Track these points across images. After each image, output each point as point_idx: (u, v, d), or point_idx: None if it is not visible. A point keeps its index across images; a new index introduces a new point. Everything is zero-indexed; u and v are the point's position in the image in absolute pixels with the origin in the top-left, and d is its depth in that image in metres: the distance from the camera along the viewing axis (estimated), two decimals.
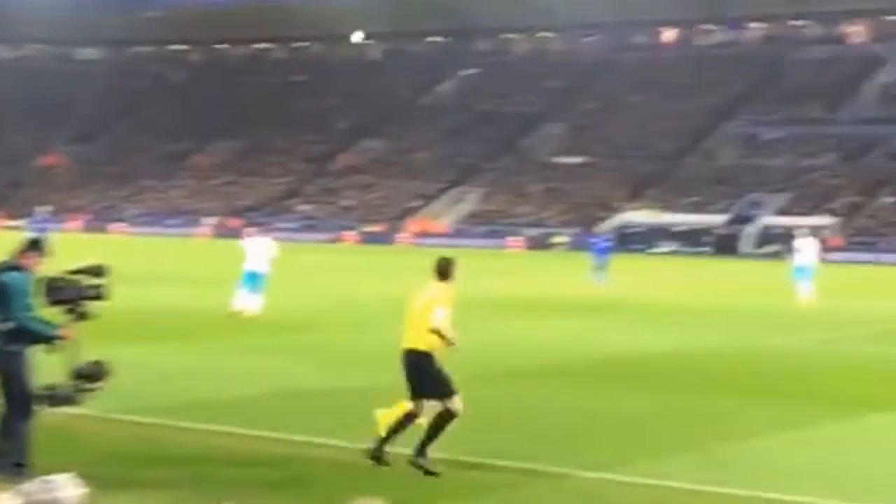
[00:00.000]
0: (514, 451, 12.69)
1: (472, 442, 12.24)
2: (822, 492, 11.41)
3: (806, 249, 37.12)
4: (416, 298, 12.06)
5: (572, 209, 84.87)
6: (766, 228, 77.01)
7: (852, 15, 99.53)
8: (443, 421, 11.78)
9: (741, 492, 11.35)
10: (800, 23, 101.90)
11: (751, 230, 77.94)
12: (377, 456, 11.85)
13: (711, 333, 26.34)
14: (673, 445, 13.44)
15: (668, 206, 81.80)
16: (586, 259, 44.13)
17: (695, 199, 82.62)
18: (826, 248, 62.86)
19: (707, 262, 66.16)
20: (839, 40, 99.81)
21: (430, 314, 11.79)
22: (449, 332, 11.85)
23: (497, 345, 23.05)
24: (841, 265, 60.37)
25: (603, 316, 29.88)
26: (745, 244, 76.89)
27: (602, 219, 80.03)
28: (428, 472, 11.56)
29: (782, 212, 78.76)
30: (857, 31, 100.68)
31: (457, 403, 11.81)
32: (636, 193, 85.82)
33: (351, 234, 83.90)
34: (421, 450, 11.71)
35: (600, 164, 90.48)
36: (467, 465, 12.11)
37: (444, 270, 12.14)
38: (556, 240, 77.96)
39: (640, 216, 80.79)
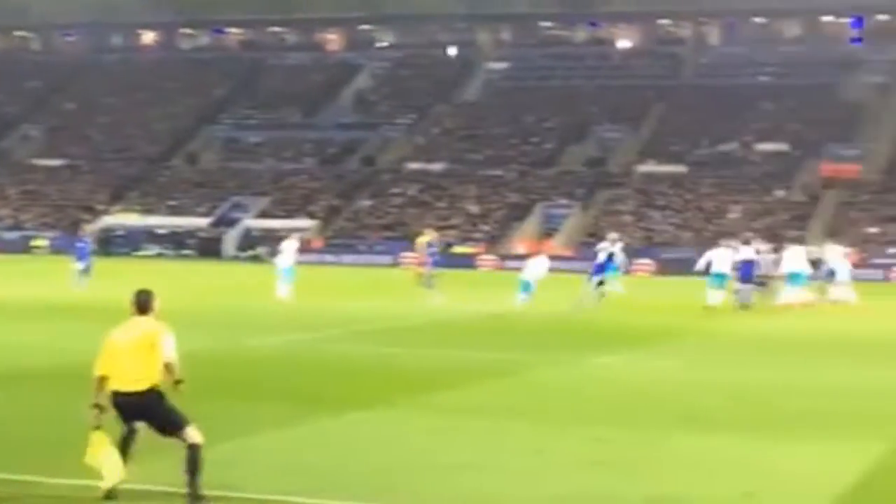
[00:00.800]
0: None
1: None
2: (301, 490, 11.65)
3: (288, 251, 38.59)
4: (120, 336, 11.25)
5: (53, 212, 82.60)
6: (249, 231, 78.15)
7: (329, 23, 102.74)
8: (194, 459, 11.03)
9: (222, 492, 11.34)
10: (279, 29, 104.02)
11: (234, 233, 78.72)
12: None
13: (196, 336, 26.29)
14: (156, 448, 13.31)
15: (150, 210, 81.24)
16: (69, 262, 43.09)
17: (178, 202, 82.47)
18: (307, 249, 64.62)
19: (191, 265, 66.19)
20: (317, 47, 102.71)
21: (154, 348, 11.12)
22: (178, 367, 11.27)
23: None
24: (321, 266, 62.13)
25: (83, 319, 29.19)
26: (228, 247, 77.56)
27: (85, 221, 78.35)
28: None
29: (264, 215, 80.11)
30: (334, 39, 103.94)
31: (195, 435, 11.09)
32: (118, 196, 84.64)
33: None
34: (195, 493, 10.97)
35: (81, 166, 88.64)
36: None
37: (144, 304, 11.40)
38: (36, 243, 75.67)
39: (124, 219, 79.84)
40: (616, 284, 41.76)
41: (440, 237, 47.30)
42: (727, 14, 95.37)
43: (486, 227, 77.12)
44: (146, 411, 11.17)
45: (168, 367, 11.23)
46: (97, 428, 11.21)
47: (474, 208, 79.32)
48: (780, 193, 75.49)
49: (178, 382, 11.30)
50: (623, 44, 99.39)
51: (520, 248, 74.82)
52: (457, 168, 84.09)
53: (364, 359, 23.23)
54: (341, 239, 77.04)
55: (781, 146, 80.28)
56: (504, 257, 71.33)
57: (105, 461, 11.16)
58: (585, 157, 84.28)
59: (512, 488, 12.16)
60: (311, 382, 19.61)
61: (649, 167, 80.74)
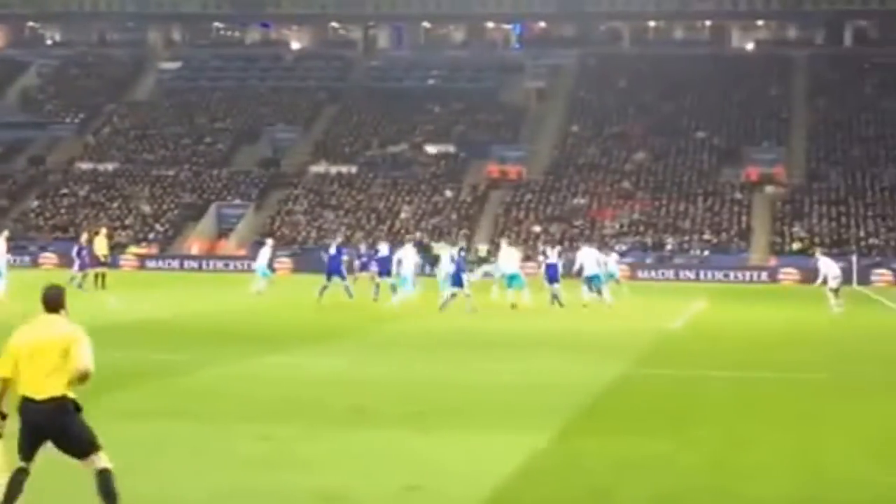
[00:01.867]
0: None
1: None
2: None
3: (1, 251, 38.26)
4: (30, 336, 10.05)
5: None
6: None
7: None
8: (110, 486, 10.02)
9: None
10: None
11: None
12: None
13: None
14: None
15: None
16: None
17: None
18: None
19: None
20: None
21: (73, 353, 9.88)
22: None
23: None
24: None
25: None
26: None
27: None
28: None
29: None
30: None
31: (106, 459, 10.06)
32: None
33: None
34: None
35: None
36: None
37: (56, 301, 10.15)
38: None
39: None
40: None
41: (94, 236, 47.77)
42: (395, 19, 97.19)
43: (159, 228, 76.20)
44: (60, 425, 10.02)
45: (84, 377, 10.06)
46: None
47: (147, 208, 78.25)
48: (448, 194, 77.45)
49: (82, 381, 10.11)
50: (295, 45, 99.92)
51: (193, 249, 74.47)
52: (129, 168, 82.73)
53: None
54: (14, 241, 74.53)
55: (449, 148, 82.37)
56: (142, 257, 71.12)
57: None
58: (259, 157, 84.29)
59: (171, 489, 12.13)
60: None
61: (321, 167, 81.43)
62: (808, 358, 25.96)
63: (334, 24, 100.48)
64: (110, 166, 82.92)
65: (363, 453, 14.14)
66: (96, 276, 45.98)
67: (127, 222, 75.65)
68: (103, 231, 49.75)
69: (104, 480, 10.14)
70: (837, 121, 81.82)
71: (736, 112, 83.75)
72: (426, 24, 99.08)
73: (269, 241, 48.62)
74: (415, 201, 77.01)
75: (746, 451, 14.66)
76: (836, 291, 39.18)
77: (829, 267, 39.54)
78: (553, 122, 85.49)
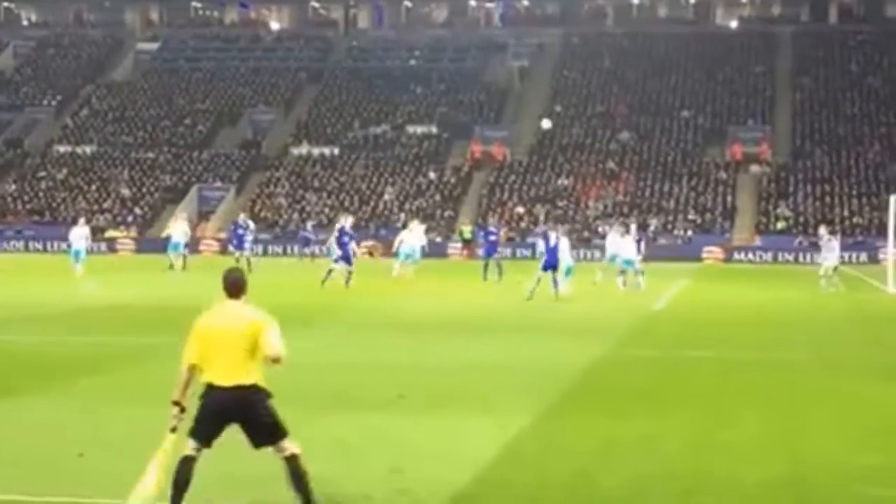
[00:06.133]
0: None
1: None
2: None
3: None
4: (219, 322, 9.92)
5: None
6: None
7: None
8: (301, 472, 9.91)
9: None
10: None
11: None
12: None
13: None
14: None
15: None
16: None
17: None
18: None
19: None
20: None
21: (261, 340, 9.75)
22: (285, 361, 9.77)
23: None
24: None
25: None
26: None
27: None
28: None
29: None
30: None
31: (294, 444, 9.92)
32: None
33: None
34: None
35: None
36: None
37: (238, 286, 9.98)
38: None
39: None
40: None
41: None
42: None
43: (138, 211, 75.92)
44: (249, 412, 9.95)
45: (276, 362, 9.92)
46: (173, 430, 10.12)
47: (126, 191, 77.91)
48: (431, 175, 77.27)
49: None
50: (275, 26, 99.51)
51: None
52: (107, 150, 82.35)
53: (4, 347, 22.52)
54: None
55: (431, 128, 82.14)
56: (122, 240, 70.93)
57: (149, 473, 10.02)
58: (239, 139, 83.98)
59: None
60: None
61: (303, 149, 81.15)
62: (790, 338, 25.93)
63: (314, 3, 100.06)
64: (88, 149, 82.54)
65: (345, 437, 14.05)
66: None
67: (105, 206, 75.27)
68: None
69: (294, 466, 10.07)
70: (822, 99, 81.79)
71: (720, 90, 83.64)
72: (407, 3, 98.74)
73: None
74: (398, 182, 76.81)
75: (727, 432, 14.65)
76: (833, 269, 40.00)
77: (829, 246, 40.57)
78: (537, 102, 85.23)
